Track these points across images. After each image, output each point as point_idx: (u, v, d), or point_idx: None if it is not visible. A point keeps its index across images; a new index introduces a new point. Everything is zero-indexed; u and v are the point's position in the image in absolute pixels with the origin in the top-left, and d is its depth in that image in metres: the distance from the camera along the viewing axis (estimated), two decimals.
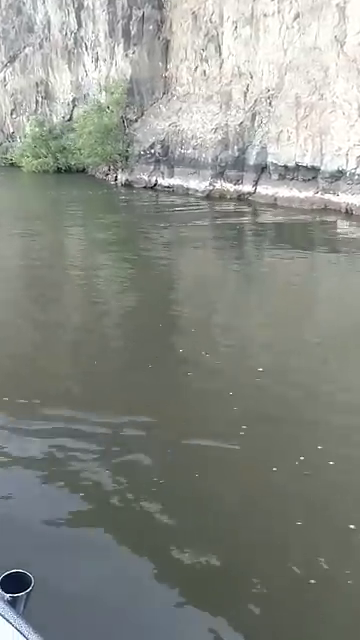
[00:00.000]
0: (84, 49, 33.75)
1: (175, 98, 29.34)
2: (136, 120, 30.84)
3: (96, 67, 33.38)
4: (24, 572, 1.76)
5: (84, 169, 35.74)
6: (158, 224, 21.51)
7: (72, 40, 34.11)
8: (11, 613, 1.56)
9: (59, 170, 36.02)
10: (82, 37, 33.72)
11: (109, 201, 28.05)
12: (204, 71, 27.38)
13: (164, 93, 30.09)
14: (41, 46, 36.72)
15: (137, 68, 30.14)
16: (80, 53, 34.10)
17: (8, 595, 1.68)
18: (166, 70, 29.72)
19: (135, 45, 29.94)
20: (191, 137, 27.23)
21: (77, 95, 35.18)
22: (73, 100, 35.50)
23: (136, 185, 30.02)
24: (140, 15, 29.55)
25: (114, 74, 31.52)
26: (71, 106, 35.89)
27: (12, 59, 38.68)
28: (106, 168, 33.30)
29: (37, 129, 36.54)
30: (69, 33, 34.12)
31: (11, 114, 39.72)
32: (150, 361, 8.92)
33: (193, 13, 27.59)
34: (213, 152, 25.94)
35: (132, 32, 29.91)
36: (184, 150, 27.56)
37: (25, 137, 38.95)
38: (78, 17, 33.33)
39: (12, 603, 1.66)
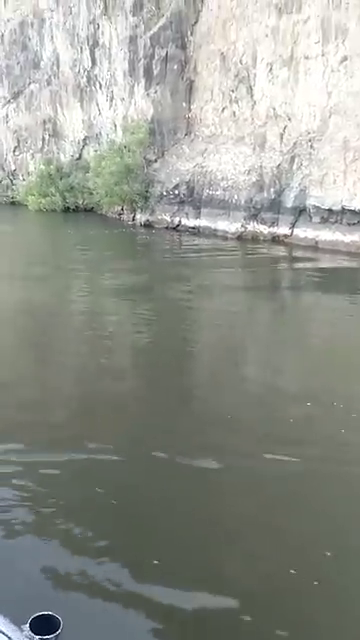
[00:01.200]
0: (98, 87, 33.03)
1: (199, 139, 28.68)
2: (155, 160, 30.02)
3: (111, 106, 32.61)
4: (53, 614, 1.71)
5: (92, 208, 34.70)
6: (183, 267, 20.62)
7: (85, 78, 33.36)
8: None
9: (67, 209, 34.83)
10: (96, 75, 33.02)
11: (128, 241, 27.08)
12: (234, 112, 26.82)
13: (186, 134, 29.42)
14: (49, 83, 35.88)
15: (159, 108, 29.44)
16: (93, 91, 33.34)
17: (38, 637, 1.62)
18: (189, 111, 29.08)
19: (158, 84, 29.30)
20: (221, 178, 26.47)
21: (89, 134, 34.29)
22: (84, 139, 34.60)
23: (157, 225, 29.05)
24: (163, 55, 28.99)
25: (133, 113, 30.76)
26: (81, 145, 34.96)
27: (16, 95, 37.72)
28: (119, 208, 32.27)
29: (44, 167, 35.35)
30: (82, 71, 33.39)
31: (14, 151, 38.54)
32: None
33: (222, 54, 27.15)
34: (247, 194, 25.19)
35: (154, 71, 29.29)
36: (212, 191, 26.77)
37: (29, 175, 37.84)
38: (92, 55, 32.65)
39: None
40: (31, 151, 37.72)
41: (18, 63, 37.48)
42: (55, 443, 7.44)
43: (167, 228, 28.81)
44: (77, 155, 35.41)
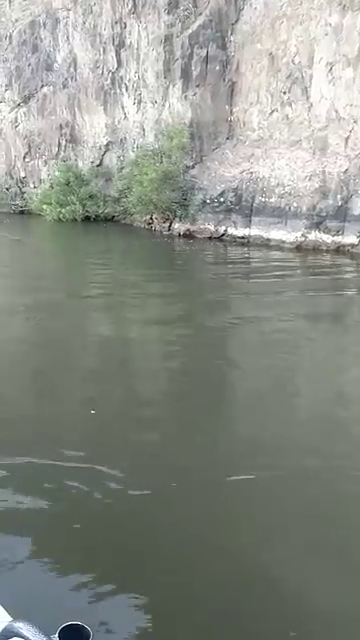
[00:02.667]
0: (124, 90, 31.18)
1: (244, 143, 27.18)
2: (193, 166, 28.37)
3: (138, 109, 30.83)
4: (83, 624, 1.64)
5: (113, 217, 32.87)
6: (233, 285, 18.98)
7: (109, 80, 31.50)
8: None
9: (87, 218, 32.81)
10: (122, 77, 31.20)
11: (164, 254, 25.36)
12: (286, 115, 25.40)
13: (227, 138, 27.89)
14: (65, 85, 33.88)
15: (198, 111, 27.86)
16: (118, 94, 31.49)
17: None
18: (231, 114, 27.53)
19: (197, 86, 27.69)
20: (275, 185, 24.99)
21: (112, 139, 32.41)
22: (107, 144, 32.62)
23: (198, 235, 27.40)
24: (203, 55, 27.43)
25: (167, 117, 29.07)
26: (102, 151, 33.03)
27: (26, 99, 35.56)
28: (147, 217, 30.49)
29: (62, 174, 33.28)
30: (106, 72, 31.53)
31: (24, 157, 36.31)
32: None
33: (270, 54, 25.74)
34: (309, 201, 23.79)
35: (193, 73, 27.71)
36: (265, 198, 25.27)
37: (42, 182, 35.79)
38: (118, 56, 30.79)
39: None
40: (44, 157, 35.57)
41: (29, 65, 35.34)
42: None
43: (210, 238, 27.20)
44: (97, 161, 33.46)
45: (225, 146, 27.86)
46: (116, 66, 31.14)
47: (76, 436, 8.16)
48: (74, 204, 32.59)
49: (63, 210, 32.65)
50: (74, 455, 7.53)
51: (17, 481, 6.88)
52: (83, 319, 14.64)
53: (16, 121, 36.39)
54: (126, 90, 31.17)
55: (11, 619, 1.69)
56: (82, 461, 7.34)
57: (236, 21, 27.28)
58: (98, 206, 32.87)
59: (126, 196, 31.26)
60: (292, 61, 25.06)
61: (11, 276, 20.14)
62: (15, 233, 29.99)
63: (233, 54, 27.36)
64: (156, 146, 29.21)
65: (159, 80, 29.12)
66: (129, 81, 30.94)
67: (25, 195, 37.08)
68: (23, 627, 1.57)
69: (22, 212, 36.66)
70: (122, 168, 32.74)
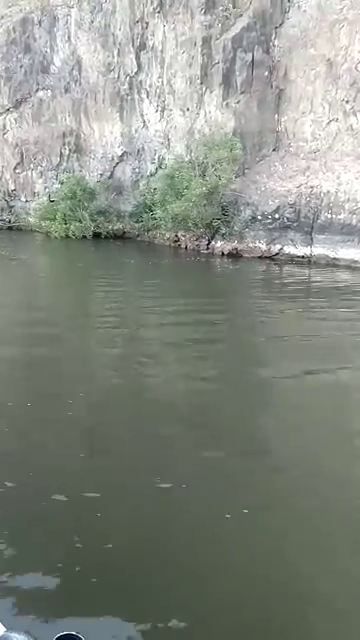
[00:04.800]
0: (144, 96, 28.43)
1: (296, 155, 25.23)
2: (234, 179, 26.02)
3: (161, 117, 28.18)
4: (77, 634, 1.67)
5: (123, 234, 29.97)
6: (300, 311, 16.54)
7: (126, 85, 28.64)
8: None
9: (96, 235, 29.64)
10: (141, 82, 28.45)
11: (207, 279, 22.79)
12: (350, 126, 23.69)
13: (274, 149, 25.82)
14: (67, 90, 30.67)
15: (242, 120, 25.68)
16: (137, 100, 28.69)
17: None
18: (279, 123, 25.53)
19: (242, 94, 25.49)
20: (345, 200, 23.15)
21: (128, 149, 29.45)
22: (122, 155, 29.65)
23: (246, 255, 25.08)
24: (248, 59, 25.29)
25: (202, 126, 26.60)
26: (115, 162, 30.04)
27: (18, 103, 31.97)
28: (172, 234, 27.88)
29: (68, 187, 29.93)
30: (122, 77, 28.66)
31: (14, 168, 32.55)
32: None
33: (328, 60, 24.02)
34: None
35: (238, 78, 25.48)
36: (332, 215, 23.34)
37: (36, 196, 32.25)
38: (138, 59, 28.07)
39: None
40: (40, 168, 32.04)
41: (21, 67, 31.82)
42: None
43: (261, 257, 24.91)
44: (108, 174, 30.36)
45: (271, 158, 25.79)
46: (135, 70, 28.34)
47: None
48: (84, 220, 29.30)
49: (72, 227, 29.28)
50: None
51: None
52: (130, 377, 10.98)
53: (4, 128, 32.63)
54: (147, 96, 28.44)
55: (5, 629, 1.66)
56: None
57: (281, 24, 25.42)
58: (110, 222, 29.76)
59: (146, 212, 28.53)
60: (356, 68, 23.41)
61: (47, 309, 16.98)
62: (23, 254, 26.40)
63: (279, 59, 25.43)
64: (190, 158, 26.57)
65: (192, 86, 26.65)
66: (150, 86, 28.24)
67: (14, 209, 33.25)
68: (20, 638, 1.55)
69: (10, 228, 32.82)
70: (137, 181, 29.92)
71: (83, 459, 7.38)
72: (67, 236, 29.54)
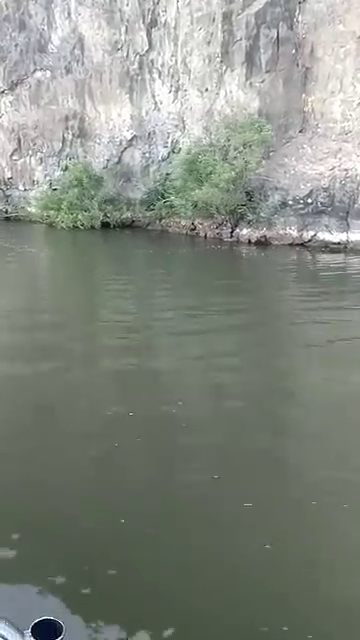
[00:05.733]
0: (156, 76, 26.89)
1: (325, 137, 24.14)
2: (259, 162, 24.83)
3: (175, 98, 26.71)
4: (55, 620, 1.65)
5: (132, 223, 28.49)
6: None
7: (136, 64, 27.02)
8: None
9: (105, 225, 28.05)
10: (152, 61, 26.88)
11: (237, 269, 21.54)
12: None
13: (301, 131, 24.69)
14: (69, 70, 28.83)
15: (267, 100, 24.46)
16: (147, 80, 27.12)
17: None
18: (305, 103, 24.42)
19: (267, 72, 24.23)
20: None
21: (138, 133, 27.88)
22: (131, 139, 28.06)
23: (275, 242, 23.95)
24: (273, 36, 24.04)
25: (223, 107, 25.27)
26: (123, 146, 28.41)
27: (13, 85, 29.97)
28: (188, 222, 26.61)
29: (73, 174, 28.23)
30: (132, 55, 27.03)
31: (11, 155, 30.57)
32: None
33: (359, 38, 22.93)
34: None
35: (262, 57, 24.22)
36: None
37: (35, 184, 30.40)
38: (149, 36, 26.48)
39: None
40: (39, 155, 30.16)
41: (16, 46, 29.82)
42: None
43: (291, 245, 23.84)
44: (116, 159, 28.74)
45: (298, 140, 24.65)
46: (146, 48, 26.73)
47: None
48: (92, 209, 27.65)
49: (80, 216, 27.59)
50: None
51: None
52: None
53: None
54: (159, 76, 26.90)
55: None
56: None
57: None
58: (119, 211, 28.19)
59: (158, 199, 27.13)
60: None
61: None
62: (29, 246, 24.59)
63: (304, 36, 24.23)
64: (210, 141, 25.22)
65: (211, 65, 25.26)
66: (163, 66, 26.71)
67: (10, 199, 31.29)
68: None
69: (7, 219, 30.89)
70: (147, 167, 28.43)
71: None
72: (74, 226, 27.79)
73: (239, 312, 13.95)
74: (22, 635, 1.57)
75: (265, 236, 24.09)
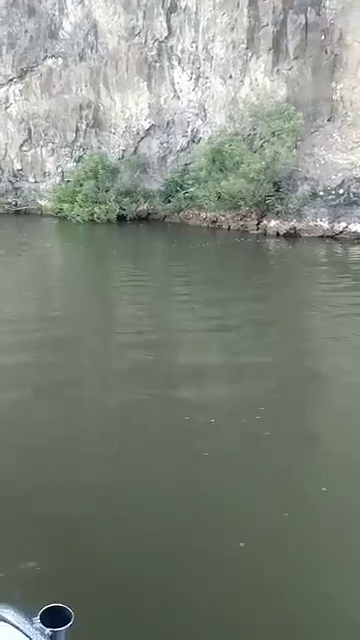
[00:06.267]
0: (175, 63, 26.09)
1: (354, 125, 23.62)
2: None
3: (196, 86, 25.95)
4: (64, 606, 1.61)
5: (148, 215, 27.70)
6: None
7: (155, 51, 26.19)
8: None
9: (120, 218, 27.21)
10: (171, 48, 26.06)
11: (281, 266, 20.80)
12: None
13: (329, 119, 24.10)
14: (82, 57, 27.87)
15: (294, 88, 23.81)
16: (166, 68, 26.31)
17: (49, 629, 1.53)
18: (334, 91, 23.83)
19: (295, 59, 23.58)
20: None
21: (156, 122, 27.07)
22: (148, 129, 27.23)
23: (305, 234, 23.36)
24: (302, 22, 23.38)
25: (248, 95, 24.58)
26: (140, 136, 27.58)
27: (23, 73, 28.91)
28: (209, 215, 25.95)
29: (88, 166, 27.37)
30: (150, 41, 26.17)
31: (21, 146, 29.54)
32: None
33: None
34: None
35: (290, 43, 23.56)
36: None
37: (46, 176, 29.43)
38: (168, 22, 25.66)
39: (52, 637, 1.54)
40: (51, 145, 29.17)
41: (25, 32, 28.73)
42: None
43: (322, 237, 23.27)
44: (132, 149, 27.89)
45: (327, 129, 24.06)
46: (165, 34, 25.88)
47: None
48: (109, 202, 26.79)
49: (97, 209, 26.71)
50: None
51: None
52: None
53: (7, 101, 29.49)
54: (178, 63, 26.08)
55: None
56: None
57: None
58: (136, 203, 27.38)
59: (177, 190, 26.41)
60: None
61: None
62: (45, 241, 23.68)
63: (332, 22, 23.59)
64: (235, 129, 24.54)
65: (235, 51, 24.53)
66: (183, 52, 25.89)
67: (20, 191, 30.27)
68: (5, 611, 1.52)
69: (17, 212, 29.88)
70: (164, 157, 27.66)
71: None
72: (90, 220, 26.91)
73: (270, 308, 13.44)
74: (31, 621, 1.53)
75: (295, 228, 23.48)
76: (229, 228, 25.28)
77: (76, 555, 4.90)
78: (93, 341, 11.04)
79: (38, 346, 10.44)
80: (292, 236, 23.52)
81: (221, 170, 24.12)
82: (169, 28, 25.72)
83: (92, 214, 26.79)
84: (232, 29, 24.30)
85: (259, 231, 24.25)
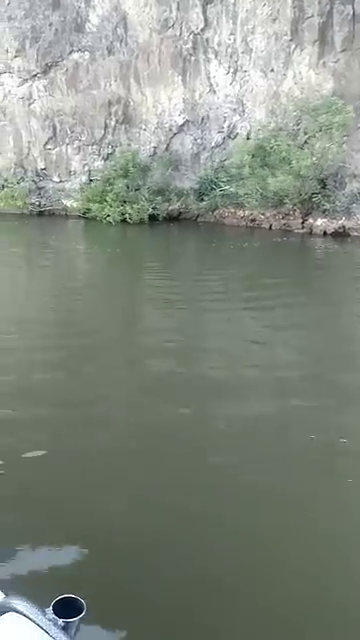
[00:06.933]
0: (212, 56, 25.12)
1: None
2: None
3: (233, 80, 25.01)
4: (76, 597, 1.61)
5: (179, 215, 26.75)
6: None
7: (190, 44, 25.18)
8: (65, 638, 1.48)
9: (153, 218, 26.18)
10: (207, 40, 25.08)
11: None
12: None
13: None
14: (111, 51, 26.79)
15: (342, 81, 22.91)
16: (202, 61, 25.33)
17: (62, 620, 1.54)
18: None
19: (343, 51, 22.71)
20: None
21: (190, 117, 26.08)
22: (182, 124, 26.24)
23: (354, 233, 22.59)
24: (349, 13, 22.52)
25: (291, 89, 23.68)
26: (173, 132, 26.58)
27: (47, 68, 27.75)
28: (244, 212, 25.05)
29: (119, 164, 26.35)
30: (185, 34, 25.17)
31: (45, 144, 28.38)
32: None
33: None
34: None
35: (337, 34, 22.68)
36: None
37: (72, 175, 28.32)
38: (205, 13, 24.68)
39: (65, 628, 1.54)
40: (77, 143, 28.03)
41: (50, 25, 27.54)
42: None
43: None
44: (164, 146, 26.87)
45: None
46: (201, 26, 24.88)
47: None
48: (142, 201, 25.74)
49: (130, 209, 25.65)
50: None
51: None
52: None
53: (30, 97, 28.28)
54: (215, 56, 25.09)
55: (4, 596, 1.63)
56: None
57: None
58: (168, 202, 26.38)
59: (213, 188, 25.47)
60: None
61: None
62: (76, 243, 22.53)
63: None
64: (277, 124, 23.62)
65: (278, 44, 23.62)
66: (219, 45, 24.92)
67: (44, 191, 29.08)
68: (17, 602, 1.52)
69: (40, 213, 28.68)
70: (197, 154, 26.69)
71: None
72: (122, 220, 25.83)
73: (320, 315, 12.38)
74: (44, 612, 1.50)
75: (344, 227, 22.63)
76: (270, 227, 24.40)
77: None
78: (126, 351, 9.92)
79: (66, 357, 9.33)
80: (340, 235, 22.70)
81: (263, 166, 23.19)
82: (205, 20, 24.71)
83: (124, 214, 25.69)
84: (274, 20, 23.37)
85: (304, 230, 23.36)
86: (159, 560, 4.48)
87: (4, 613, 1.54)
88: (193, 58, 25.33)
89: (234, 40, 24.48)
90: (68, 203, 28.14)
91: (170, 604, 4.04)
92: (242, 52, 24.41)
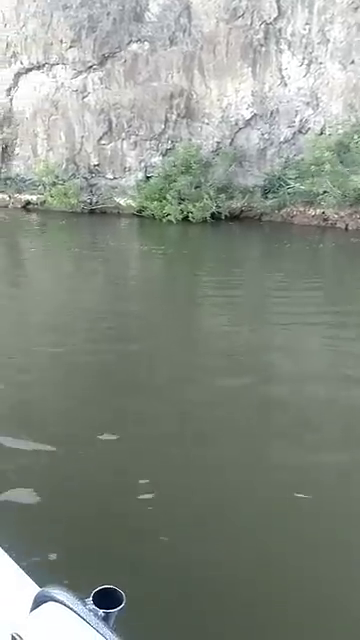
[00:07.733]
0: (285, 47, 23.88)
1: None
2: None
3: (307, 72, 23.78)
4: (116, 588, 1.52)
5: (240, 213, 25.38)
6: None
7: (261, 34, 23.94)
8: (106, 629, 1.43)
9: (213, 217, 24.79)
10: (280, 30, 23.85)
11: None
12: None
13: None
14: (172, 41, 25.54)
15: None
16: (273, 52, 24.09)
17: (102, 611, 1.47)
18: None
19: None
20: None
21: (259, 112, 24.80)
22: (250, 119, 24.97)
23: None
24: None
25: None
26: (239, 127, 25.31)
27: (104, 59, 26.47)
28: (316, 211, 23.81)
29: (182, 160, 25.05)
30: (257, 23, 23.93)
31: (99, 139, 27.06)
32: None
33: None
34: None
35: None
36: None
37: (127, 171, 27.04)
38: (278, 2, 23.47)
39: (105, 619, 1.46)
40: (134, 138, 26.71)
41: (108, 14, 26.28)
42: None
43: None
44: (228, 141, 25.59)
45: None
46: (275, 16, 23.65)
47: None
48: (206, 199, 24.41)
49: (192, 207, 24.30)
50: None
51: None
52: None
53: (85, 90, 26.98)
54: (288, 47, 23.85)
55: (40, 589, 1.55)
56: None
57: None
58: (232, 200, 25.07)
59: (282, 185, 24.20)
60: None
61: None
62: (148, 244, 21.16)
63: None
64: (357, 119, 22.40)
65: (359, 34, 22.34)
66: (293, 35, 23.68)
67: (95, 188, 27.73)
68: (57, 592, 1.48)
69: (92, 212, 27.30)
70: (264, 150, 25.42)
71: None
72: (185, 219, 24.49)
73: None
74: (84, 602, 1.44)
75: None
76: (346, 227, 23.09)
77: None
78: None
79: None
80: None
81: (341, 163, 21.98)
82: (279, 9, 23.48)
83: (186, 213, 24.36)
84: (355, 9, 22.16)
85: None
86: None
87: (44, 603, 1.46)
88: (264, 49, 24.09)
89: (309, 30, 23.26)
90: (122, 201, 26.79)
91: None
92: (318, 43, 23.19)
